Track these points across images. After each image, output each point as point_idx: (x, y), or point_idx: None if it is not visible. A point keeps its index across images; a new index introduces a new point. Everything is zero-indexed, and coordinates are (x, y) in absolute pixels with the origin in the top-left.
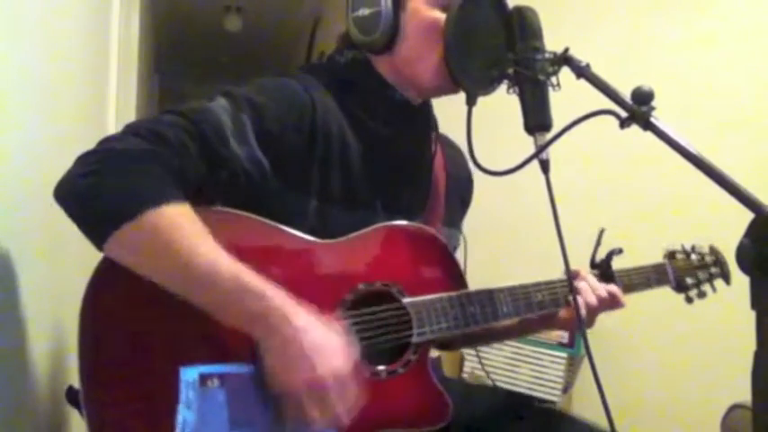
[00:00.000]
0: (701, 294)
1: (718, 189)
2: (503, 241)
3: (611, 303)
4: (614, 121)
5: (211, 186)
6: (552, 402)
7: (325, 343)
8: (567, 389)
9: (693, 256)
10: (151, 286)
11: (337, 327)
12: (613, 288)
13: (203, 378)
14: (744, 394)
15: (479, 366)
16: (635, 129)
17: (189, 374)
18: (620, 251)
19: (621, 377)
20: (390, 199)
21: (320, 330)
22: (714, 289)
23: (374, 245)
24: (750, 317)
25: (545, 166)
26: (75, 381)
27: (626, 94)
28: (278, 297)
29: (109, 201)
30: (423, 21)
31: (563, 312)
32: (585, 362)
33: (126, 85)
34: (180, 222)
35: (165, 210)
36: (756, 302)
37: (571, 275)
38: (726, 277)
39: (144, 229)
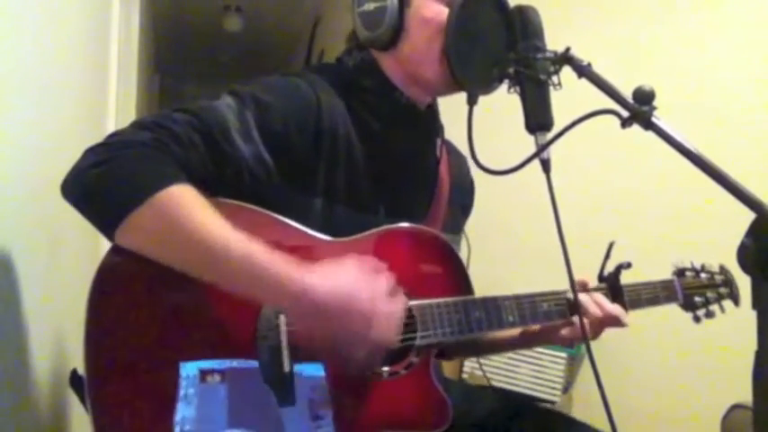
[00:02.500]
0: (710, 314)
1: (719, 189)
2: (503, 241)
3: (614, 322)
4: (615, 121)
5: (216, 183)
6: (552, 402)
7: (348, 289)
8: (567, 389)
9: (703, 275)
10: (157, 278)
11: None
12: (617, 309)
13: (203, 373)
14: (744, 394)
15: (479, 367)
16: (636, 128)
17: (189, 369)
18: (628, 265)
19: (621, 377)
20: (393, 202)
21: (338, 279)
22: (723, 310)
23: (379, 246)
24: (751, 317)
25: (546, 166)
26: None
27: (627, 93)
28: (291, 264)
29: (118, 188)
30: (426, 17)
31: (565, 331)
32: (585, 362)
33: (126, 85)
34: (187, 201)
35: (172, 190)
36: (757, 303)
37: (574, 279)
38: (735, 299)
39: (153, 210)
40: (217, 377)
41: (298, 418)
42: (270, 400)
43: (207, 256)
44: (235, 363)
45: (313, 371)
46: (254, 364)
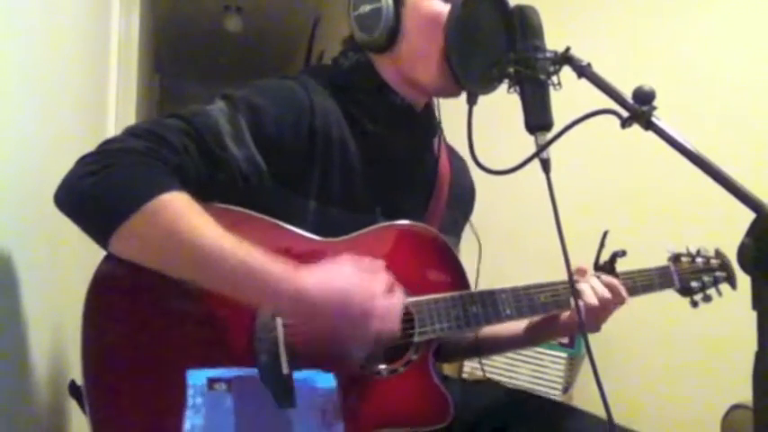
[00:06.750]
0: (707, 298)
1: (719, 189)
2: (503, 241)
3: (615, 300)
4: (615, 121)
5: (210, 188)
6: None
7: (343, 286)
8: (567, 389)
9: (698, 260)
10: (153, 285)
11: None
12: (612, 281)
13: (211, 382)
14: (744, 394)
15: (479, 366)
16: (636, 128)
17: (197, 378)
18: (623, 253)
19: (621, 377)
20: (389, 202)
21: (333, 278)
22: (720, 293)
23: (376, 244)
24: (751, 317)
25: (546, 166)
26: (75, 377)
27: (627, 93)
28: (286, 266)
29: (111, 197)
30: (423, 15)
31: (564, 317)
32: (585, 362)
33: (126, 85)
34: (180, 208)
35: (165, 197)
36: (757, 303)
37: (573, 275)
38: (732, 281)
39: (146, 219)
40: (224, 385)
41: (309, 428)
42: (278, 409)
43: (202, 261)
44: (240, 372)
45: (325, 382)
46: (256, 371)
